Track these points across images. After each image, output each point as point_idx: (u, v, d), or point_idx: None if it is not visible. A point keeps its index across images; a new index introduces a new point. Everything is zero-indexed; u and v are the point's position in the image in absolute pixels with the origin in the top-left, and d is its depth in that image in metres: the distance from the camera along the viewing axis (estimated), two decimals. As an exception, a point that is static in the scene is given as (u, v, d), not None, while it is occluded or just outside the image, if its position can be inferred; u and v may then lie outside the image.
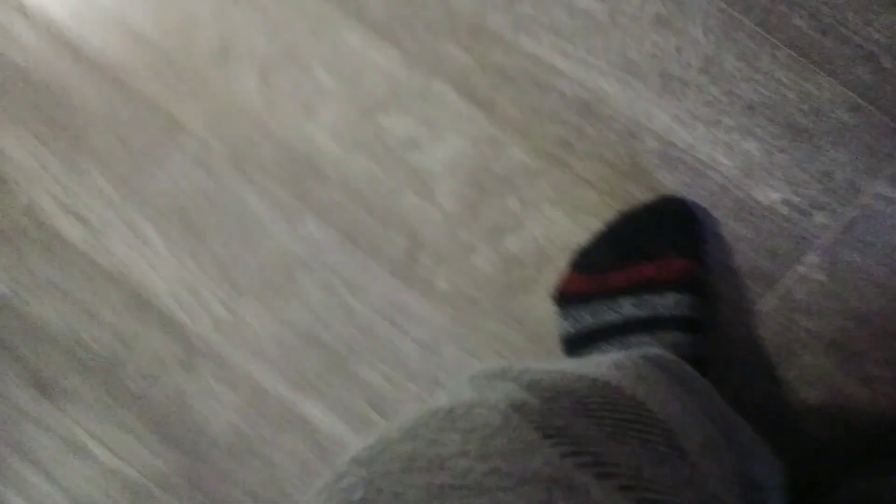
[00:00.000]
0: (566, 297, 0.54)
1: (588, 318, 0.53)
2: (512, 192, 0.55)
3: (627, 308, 0.51)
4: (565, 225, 0.55)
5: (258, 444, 0.64)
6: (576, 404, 0.27)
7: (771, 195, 0.49)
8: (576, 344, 0.53)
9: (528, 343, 0.57)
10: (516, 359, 0.57)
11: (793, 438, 0.54)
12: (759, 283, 0.52)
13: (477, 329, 0.57)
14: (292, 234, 0.59)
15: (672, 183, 0.52)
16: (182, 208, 0.61)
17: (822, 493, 0.53)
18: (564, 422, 0.24)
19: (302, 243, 0.59)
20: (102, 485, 0.68)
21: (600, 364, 0.34)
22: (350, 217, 0.58)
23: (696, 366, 0.51)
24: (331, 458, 0.62)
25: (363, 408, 0.61)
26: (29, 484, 0.70)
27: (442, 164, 0.55)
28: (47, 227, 0.63)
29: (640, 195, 0.53)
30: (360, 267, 0.58)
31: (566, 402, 0.27)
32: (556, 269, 0.55)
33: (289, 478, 0.63)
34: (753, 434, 0.44)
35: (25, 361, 0.66)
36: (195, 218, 0.60)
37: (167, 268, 0.62)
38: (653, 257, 0.51)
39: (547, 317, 0.56)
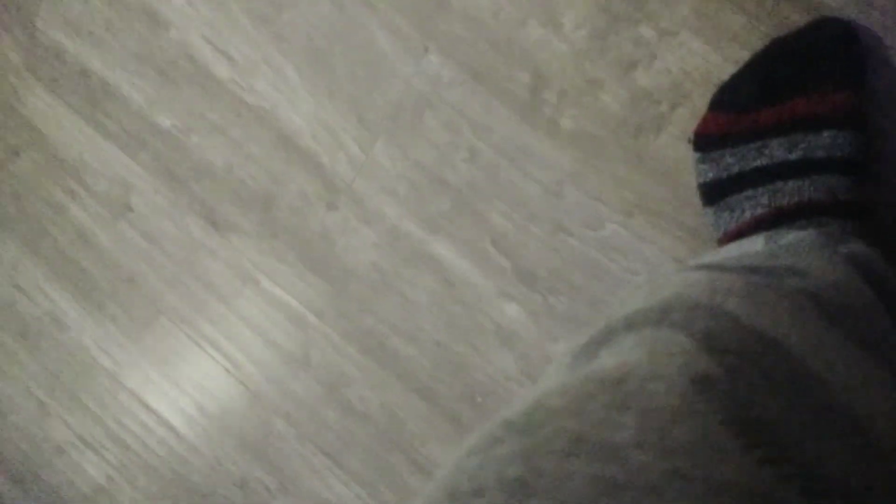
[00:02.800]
0: (707, 140, 0.49)
1: (731, 162, 0.48)
2: (646, 18, 0.50)
3: (777, 150, 0.46)
4: (706, 55, 0.49)
5: (393, 279, 0.67)
6: (761, 377, 0.22)
7: (960, 7, 0.40)
8: (717, 192, 0.49)
9: (658, 188, 0.53)
10: (649, 225, 0.54)
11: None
12: (935, 120, 0.44)
13: (602, 172, 0.55)
14: (417, 71, 0.58)
15: (836, 1, 0.44)
16: (314, 44, 0.62)
17: None
18: (757, 411, 0.20)
19: (426, 80, 0.58)
20: (268, 311, 0.76)
21: (765, 302, 0.28)
22: (473, 51, 0.56)
23: (856, 213, 0.45)
24: (458, 294, 0.64)
25: (488, 248, 0.61)
26: (212, 311, 0.80)
27: (569, -10, 0.51)
28: (200, 66, 0.67)
29: (797, 17, 0.45)
30: (483, 106, 0.57)
31: (751, 373, 0.22)
32: (693, 107, 0.50)
33: (421, 310, 0.67)
34: None
35: (195, 195, 0.74)
36: (326, 54, 0.62)
37: (305, 106, 0.64)
38: (808, 90, 0.45)
39: (680, 159, 0.52)
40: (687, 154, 0.51)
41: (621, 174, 0.54)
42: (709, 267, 0.34)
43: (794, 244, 0.40)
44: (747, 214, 0.47)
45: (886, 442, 0.23)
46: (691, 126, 0.50)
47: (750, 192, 0.47)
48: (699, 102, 0.50)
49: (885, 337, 0.33)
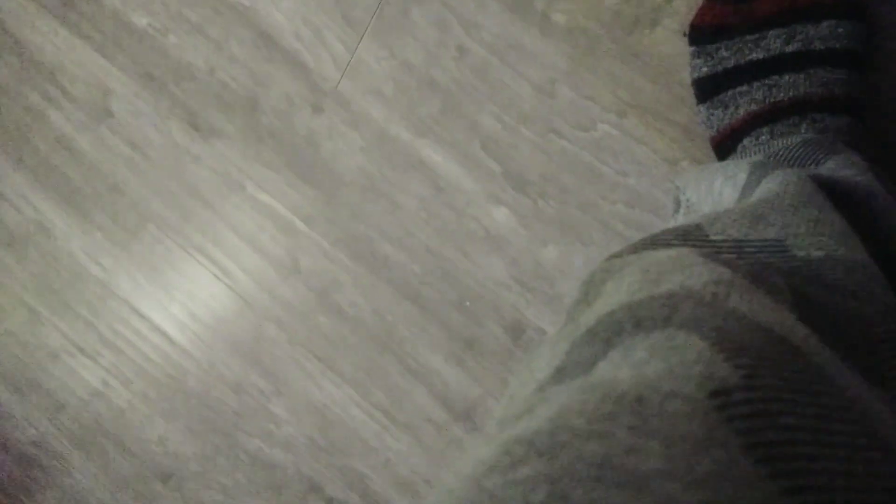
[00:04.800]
0: (702, 32, 0.47)
1: (727, 55, 0.46)
2: None
3: (775, 42, 0.44)
4: (705, -58, 0.47)
5: (381, 183, 0.66)
6: (776, 378, 0.22)
7: None
8: (711, 87, 0.48)
9: (653, 86, 0.52)
10: (644, 137, 0.53)
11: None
12: (941, 10, 0.42)
13: (595, 69, 0.53)
14: (403, -38, 0.56)
15: None
16: (296, -64, 0.59)
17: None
18: (775, 429, 0.21)
19: (414, -28, 0.56)
20: (256, 218, 0.76)
21: (765, 296, 0.27)
22: (462, -60, 0.53)
23: (854, 108, 0.44)
24: (447, 198, 0.64)
25: (477, 151, 0.60)
26: (199, 218, 0.79)
27: None
28: (172, -42, 0.64)
29: None
30: (474, 1, 0.55)
31: (766, 375, 0.22)
32: (689, -1, 0.48)
33: (410, 215, 0.66)
34: None
35: (176, 98, 0.71)
36: (309, -54, 0.59)
37: (287, 2, 0.62)
38: (808, -21, 0.43)
39: (676, 55, 0.51)
40: (683, 49, 0.49)
41: (615, 71, 0.52)
42: (700, 244, 0.33)
43: (776, 197, 0.37)
44: (741, 111, 0.46)
45: (893, 442, 0.23)
46: (689, 19, 0.48)
47: (744, 87, 0.46)
48: (697, -7, 0.48)
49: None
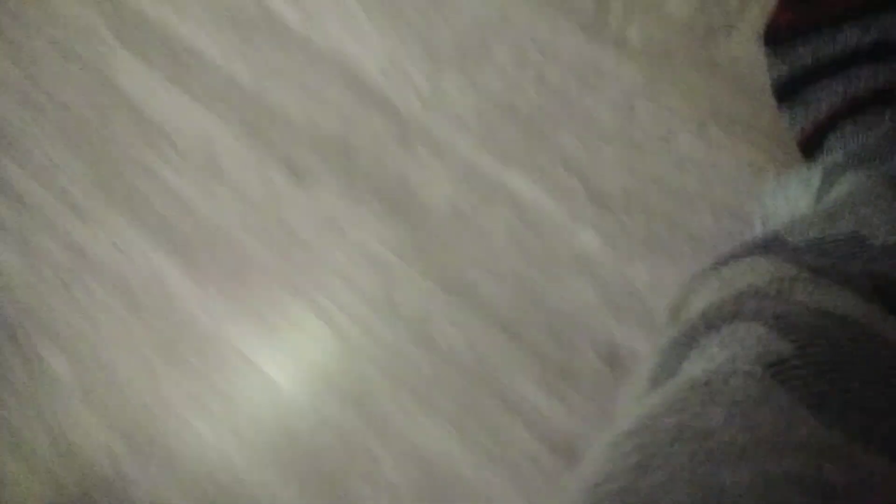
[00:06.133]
0: (777, 34, 0.48)
1: (804, 54, 0.46)
2: (710, -86, 0.48)
3: (851, 34, 0.44)
4: (775, -54, 0.47)
5: (469, 214, 0.68)
6: (830, 347, 0.26)
7: None
8: (790, 87, 0.48)
9: (732, 93, 0.52)
10: (718, 129, 0.53)
11: None
12: None
13: (673, 82, 0.54)
14: (480, -3, 0.59)
15: None
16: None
17: None
18: (826, 385, 0.24)
19: (491, 5, 0.59)
20: (351, 256, 0.79)
21: (830, 287, 0.30)
22: (534, -30, 0.56)
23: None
24: (534, 226, 0.65)
25: (560, 174, 0.61)
26: (299, 260, 0.83)
27: None
28: (269, 12, 0.70)
29: None
30: (549, 26, 0.57)
31: (821, 346, 0.26)
32: (763, 2, 0.49)
33: (498, 243, 0.68)
34: None
35: (274, 147, 0.77)
36: (392, -8, 0.63)
37: (373, 44, 0.66)
38: (883, -34, 0.43)
39: (754, 60, 0.51)
40: (761, 54, 0.49)
41: (694, 82, 0.53)
42: (771, 249, 0.35)
43: (849, 196, 0.38)
44: (823, 106, 0.46)
45: None
46: (763, 23, 0.49)
47: (824, 83, 0.45)
48: (771, -3, 0.48)
49: None
